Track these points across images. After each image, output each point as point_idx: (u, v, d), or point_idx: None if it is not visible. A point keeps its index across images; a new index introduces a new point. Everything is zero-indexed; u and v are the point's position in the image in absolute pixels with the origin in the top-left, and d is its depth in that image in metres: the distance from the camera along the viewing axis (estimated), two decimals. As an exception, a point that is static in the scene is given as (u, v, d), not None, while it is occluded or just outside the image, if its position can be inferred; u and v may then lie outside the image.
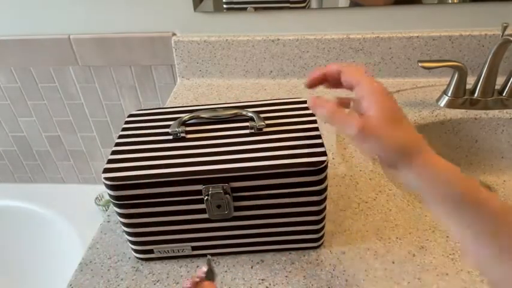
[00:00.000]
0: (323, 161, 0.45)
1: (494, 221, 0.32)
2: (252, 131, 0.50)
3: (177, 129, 0.51)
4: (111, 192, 0.46)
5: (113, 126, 1.10)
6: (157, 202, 0.47)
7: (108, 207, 1.11)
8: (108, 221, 0.61)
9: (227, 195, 0.46)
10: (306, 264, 0.52)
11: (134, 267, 0.53)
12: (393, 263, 0.51)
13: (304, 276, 0.50)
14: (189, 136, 0.51)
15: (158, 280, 0.51)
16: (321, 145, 0.48)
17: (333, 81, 0.42)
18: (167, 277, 0.52)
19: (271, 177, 0.45)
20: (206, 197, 0.46)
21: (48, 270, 1.15)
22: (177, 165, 0.46)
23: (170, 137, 0.51)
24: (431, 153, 0.35)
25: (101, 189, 1.15)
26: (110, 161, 0.48)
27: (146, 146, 0.50)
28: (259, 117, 0.51)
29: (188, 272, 0.52)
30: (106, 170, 0.47)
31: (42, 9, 0.92)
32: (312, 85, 0.43)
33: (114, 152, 0.50)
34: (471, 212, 0.33)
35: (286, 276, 0.51)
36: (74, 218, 1.13)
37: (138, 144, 0.51)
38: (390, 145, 0.35)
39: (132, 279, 0.52)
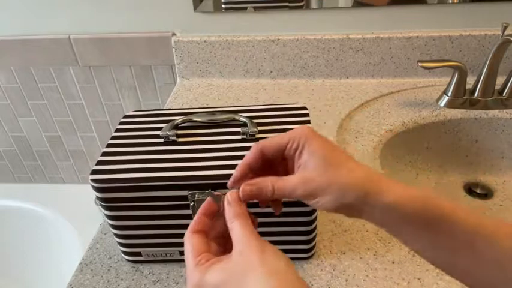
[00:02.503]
0: None
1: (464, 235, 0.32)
2: (244, 137, 0.50)
3: (168, 133, 0.51)
4: (98, 194, 0.47)
5: (113, 126, 1.10)
6: (144, 206, 0.47)
7: (108, 207, 1.10)
8: (108, 221, 0.61)
9: None
10: (306, 264, 0.52)
11: (134, 267, 0.53)
12: (393, 263, 0.51)
13: (304, 276, 0.50)
14: (180, 140, 0.51)
15: (158, 280, 0.51)
16: None
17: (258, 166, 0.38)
18: (167, 277, 0.52)
19: None
20: (192, 203, 0.45)
21: (48, 270, 1.15)
22: (164, 170, 0.46)
23: (161, 140, 0.51)
24: (385, 186, 0.33)
25: (101, 189, 1.15)
26: (98, 163, 0.48)
27: (136, 148, 0.50)
28: (252, 123, 0.51)
29: (188, 272, 0.52)
30: (94, 172, 0.47)
31: (42, 9, 0.92)
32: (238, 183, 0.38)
33: (104, 154, 0.50)
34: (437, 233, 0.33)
35: (286, 276, 0.50)
36: (74, 218, 1.13)
37: (128, 146, 0.51)
38: (335, 195, 0.34)
39: (132, 279, 0.52)
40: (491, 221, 0.33)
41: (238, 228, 0.32)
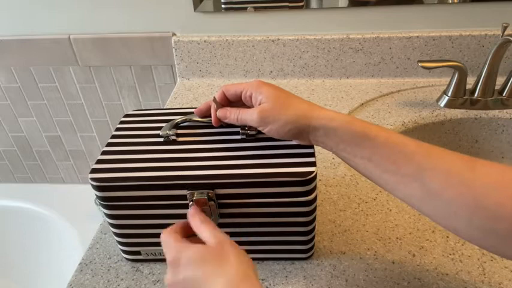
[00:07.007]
0: (311, 172, 0.44)
1: (385, 151, 0.39)
2: (244, 137, 0.50)
3: (168, 132, 0.51)
4: (98, 193, 0.47)
5: (113, 126, 1.10)
6: (143, 205, 0.47)
7: (108, 207, 1.10)
8: (108, 221, 0.61)
9: (212, 202, 0.45)
10: (306, 264, 0.52)
11: (134, 267, 0.53)
12: (393, 263, 0.51)
13: (304, 276, 0.50)
14: (180, 139, 0.51)
15: (158, 280, 0.51)
16: (312, 154, 0.46)
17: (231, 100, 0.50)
18: (167, 277, 0.52)
19: (257, 186, 0.44)
20: (191, 203, 0.45)
21: (48, 270, 1.15)
22: (163, 169, 0.46)
23: (161, 139, 0.51)
24: (321, 115, 0.42)
25: (101, 189, 1.15)
26: (98, 162, 0.48)
27: (136, 147, 0.50)
28: None
29: (188, 272, 0.52)
30: (93, 171, 0.47)
31: (42, 9, 0.92)
32: (205, 115, 0.52)
33: (104, 153, 0.50)
34: (368, 146, 0.40)
35: (286, 277, 0.51)
36: (74, 218, 1.13)
37: (128, 145, 0.51)
38: (285, 121, 0.43)
39: (132, 279, 0.52)
40: (413, 141, 0.39)
41: (207, 230, 0.39)
